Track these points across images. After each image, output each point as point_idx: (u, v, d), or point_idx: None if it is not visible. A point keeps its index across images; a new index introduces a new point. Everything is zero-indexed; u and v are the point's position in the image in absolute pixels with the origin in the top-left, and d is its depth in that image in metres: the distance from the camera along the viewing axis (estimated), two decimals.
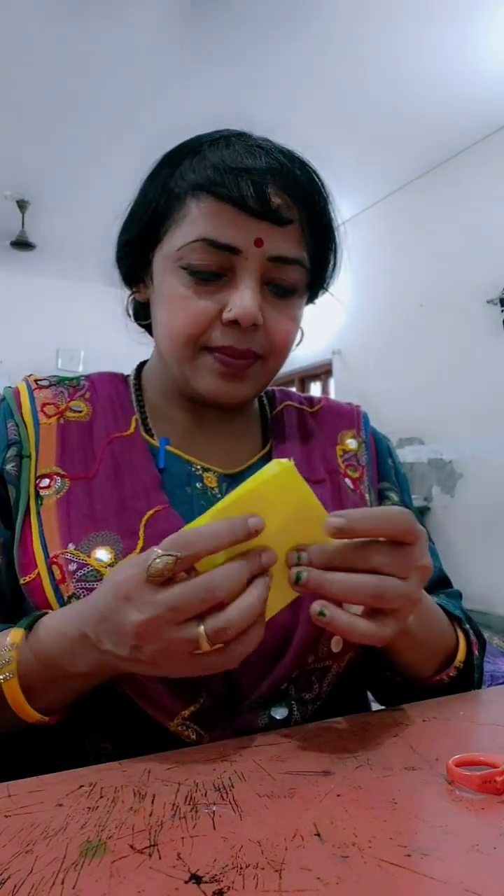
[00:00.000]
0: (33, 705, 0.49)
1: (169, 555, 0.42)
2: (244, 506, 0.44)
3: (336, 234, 0.67)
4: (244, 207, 0.58)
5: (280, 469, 0.45)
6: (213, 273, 0.60)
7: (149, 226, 0.64)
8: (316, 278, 0.68)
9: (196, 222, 0.59)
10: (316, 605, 0.45)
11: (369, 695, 0.70)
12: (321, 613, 0.45)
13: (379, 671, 0.63)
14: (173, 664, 0.44)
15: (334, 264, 0.69)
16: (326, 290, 0.72)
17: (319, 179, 0.64)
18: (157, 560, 0.42)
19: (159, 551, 0.42)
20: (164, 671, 0.45)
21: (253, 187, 0.58)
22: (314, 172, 0.64)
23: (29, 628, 0.51)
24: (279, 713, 0.56)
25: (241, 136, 0.63)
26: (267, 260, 0.60)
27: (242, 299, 0.59)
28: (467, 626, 0.64)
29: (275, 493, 0.45)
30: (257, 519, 0.44)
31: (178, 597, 0.42)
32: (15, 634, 0.50)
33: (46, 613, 0.53)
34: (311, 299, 0.72)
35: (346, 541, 0.45)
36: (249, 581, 0.44)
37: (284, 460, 0.46)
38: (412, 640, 0.55)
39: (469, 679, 0.62)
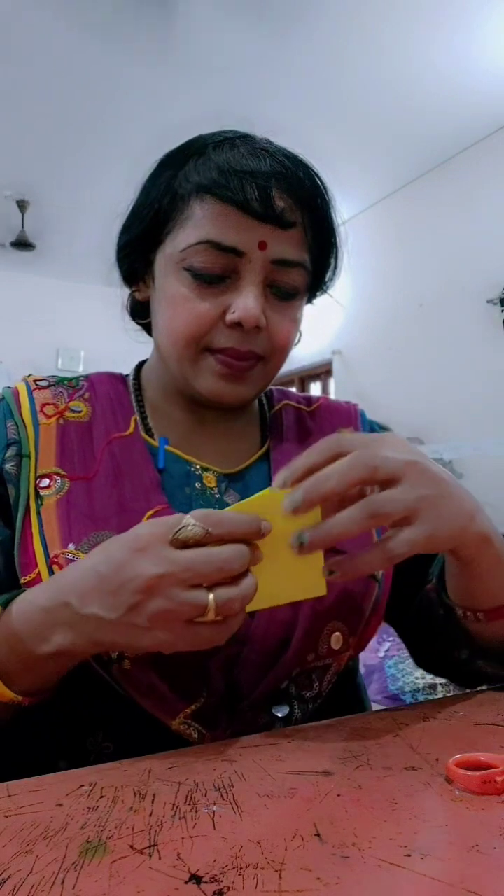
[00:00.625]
0: (10, 688, 0.49)
1: (201, 526, 0.43)
2: (250, 508, 0.46)
3: (338, 237, 0.67)
4: (249, 210, 0.58)
5: (262, 496, 0.47)
6: (216, 275, 0.60)
7: (151, 226, 0.64)
8: (316, 281, 0.68)
9: (200, 224, 0.59)
10: (325, 571, 0.47)
11: (369, 690, 0.70)
12: (331, 573, 0.47)
13: (451, 636, 0.62)
14: (169, 629, 0.43)
15: (335, 267, 0.70)
16: (325, 292, 0.72)
17: (322, 183, 0.64)
18: (190, 528, 0.43)
19: (192, 520, 0.43)
20: (153, 638, 0.44)
21: (258, 190, 0.58)
22: (317, 176, 0.64)
23: (6, 605, 0.51)
24: (280, 711, 0.56)
25: (246, 139, 0.63)
26: (270, 262, 0.60)
27: (246, 301, 0.59)
28: None
29: (279, 501, 0.46)
30: (268, 524, 0.45)
31: (198, 559, 0.42)
32: None
33: (24, 591, 0.52)
34: (309, 300, 0.72)
35: (333, 465, 0.46)
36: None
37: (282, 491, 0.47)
38: (492, 549, 0.52)
39: None
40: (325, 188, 0.64)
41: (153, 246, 0.65)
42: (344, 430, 0.74)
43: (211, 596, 0.42)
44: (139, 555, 0.43)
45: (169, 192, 0.62)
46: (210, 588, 0.43)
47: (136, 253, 0.67)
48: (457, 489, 0.50)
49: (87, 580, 0.46)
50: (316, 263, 0.66)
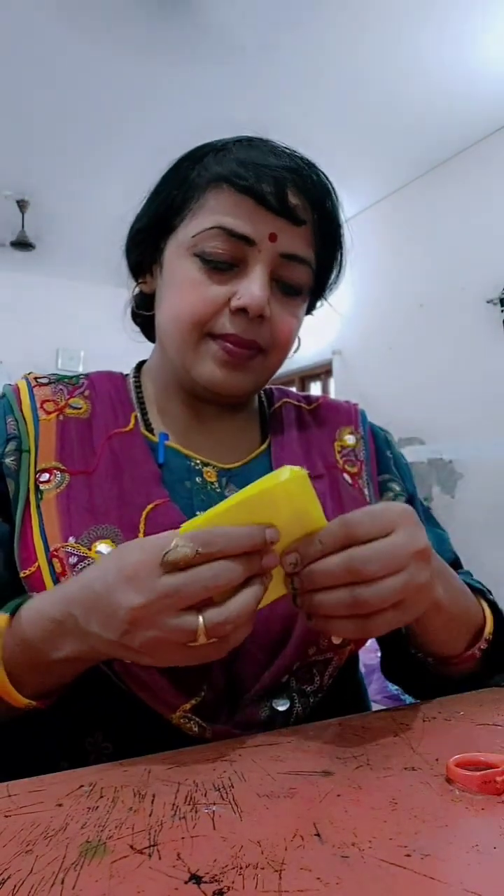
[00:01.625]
0: (21, 692, 0.49)
1: (190, 546, 0.41)
2: (251, 507, 0.44)
3: (343, 245, 0.69)
4: (263, 202, 0.59)
5: (292, 475, 0.45)
6: (225, 262, 0.61)
7: (164, 215, 0.65)
8: (318, 286, 0.70)
9: (214, 211, 0.61)
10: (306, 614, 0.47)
11: (370, 690, 0.71)
12: (309, 619, 0.47)
13: (410, 657, 0.63)
14: (163, 653, 0.43)
15: (337, 274, 0.71)
16: (325, 299, 0.74)
17: (333, 190, 0.66)
18: (179, 549, 0.41)
19: (180, 541, 0.42)
20: (151, 660, 0.44)
21: (274, 184, 0.60)
22: (329, 182, 0.66)
23: (13, 612, 0.51)
24: (281, 705, 0.56)
25: (263, 141, 0.65)
26: (279, 256, 0.61)
27: (252, 288, 0.60)
28: (491, 597, 0.65)
29: (282, 498, 0.45)
30: (274, 532, 0.44)
31: (182, 583, 0.41)
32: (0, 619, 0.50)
33: (31, 597, 0.52)
34: (309, 308, 0.73)
35: (325, 562, 0.45)
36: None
37: (297, 468, 0.46)
38: (442, 614, 0.54)
39: (501, 653, 0.62)
40: (335, 194, 0.66)
41: (165, 234, 0.66)
42: (343, 428, 0.74)
43: (200, 619, 0.41)
44: (127, 583, 0.43)
45: (185, 182, 0.64)
46: (201, 610, 0.42)
47: (148, 241, 0.68)
48: (436, 561, 0.51)
49: (86, 596, 0.46)
50: (319, 267, 0.67)
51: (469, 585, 0.63)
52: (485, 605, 0.63)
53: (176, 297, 0.63)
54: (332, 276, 0.71)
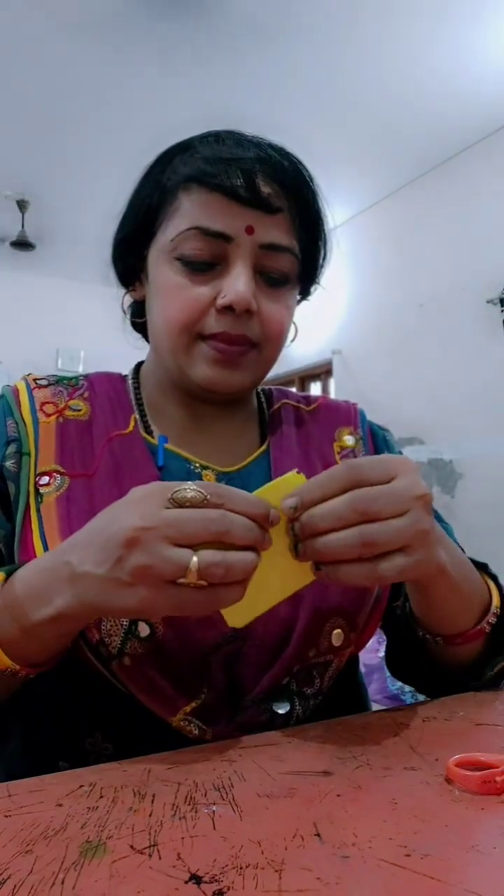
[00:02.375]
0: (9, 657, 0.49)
1: (201, 492, 0.42)
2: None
3: (325, 225, 0.68)
4: (234, 196, 0.59)
5: (292, 475, 0.47)
6: (206, 262, 0.61)
7: (143, 222, 0.65)
8: (307, 271, 0.69)
9: (188, 213, 0.60)
10: (312, 566, 0.47)
11: (370, 690, 0.71)
12: (318, 568, 0.46)
13: (417, 646, 0.63)
14: (150, 588, 0.42)
15: (324, 256, 0.70)
16: (318, 283, 0.73)
17: (308, 172, 0.65)
18: (189, 490, 0.42)
19: (193, 485, 0.42)
20: (136, 596, 0.43)
21: (243, 176, 0.59)
22: (302, 165, 0.65)
23: (9, 575, 0.51)
24: (281, 708, 0.56)
25: (231, 133, 0.64)
26: (259, 247, 0.61)
27: (236, 284, 0.59)
28: (493, 573, 0.64)
29: (284, 493, 0.46)
30: (276, 514, 0.44)
31: (185, 517, 0.41)
32: None
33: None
34: (303, 295, 0.72)
35: (328, 503, 0.45)
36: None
37: (294, 472, 0.47)
38: (448, 580, 0.53)
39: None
40: (310, 177, 0.65)
41: (146, 241, 0.66)
42: (343, 428, 0.74)
43: (194, 557, 0.41)
44: (130, 507, 0.43)
45: (158, 186, 0.63)
46: (197, 549, 0.41)
47: (131, 250, 0.68)
48: (437, 528, 0.51)
49: (85, 537, 0.46)
50: (305, 252, 0.66)
51: (472, 560, 0.63)
52: (488, 579, 0.62)
53: (162, 302, 0.63)
54: (320, 258, 0.70)
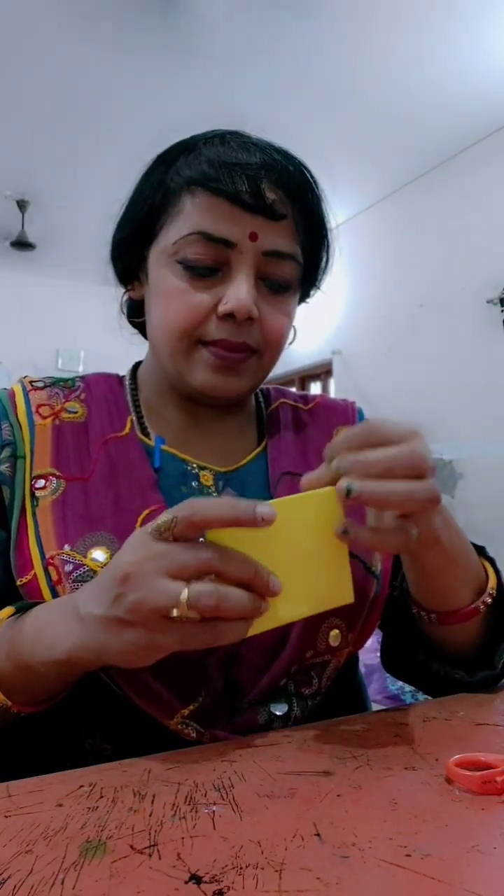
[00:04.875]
0: (10, 698, 0.49)
1: (171, 515, 0.42)
2: (280, 512, 0.43)
3: (329, 231, 0.67)
4: (239, 202, 0.58)
5: (324, 490, 0.46)
6: (208, 267, 0.60)
7: (144, 223, 0.64)
8: (308, 276, 0.68)
9: (191, 216, 0.60)
10: (339, 530, 0.46)
11: (369, 690, 0.71)
12: (345, 532, 0.46)
13: (412, 637, 0.62)
14: (150, 623, 0.42)
15: (327, 261, 0.69)
16: (318, 288, 0.72)
17: (312, 177, 0.65)
18: (161, 518, 0.42)
19: (166, 512, 0.43)
20: (137, 635, 0.42)
21: (248, 182, 0.58)
22: (307, 170, 0.64)
23: (25, 610, 0.51)
24: (279, 709, 0.56)
25: (236, 135, 0.63)
26: (262, 254, 0.60)
27: (238, 292, 0.59)
28: (490, 555, 0.64)
29: (310, 507, 0.45)
30: (269, 508, 0.42)
31: (173, 548, 0.42)
32: (4, 612, 0.51)
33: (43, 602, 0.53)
34: (303, 298, 0.72)
35: (392, 449, 0.46)
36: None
37: (328, 488, 0.46)
38: (444, 552, 0.54)
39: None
40: (315, 182, 0.65)
41: (147, 242, 0.65)
42: (341, 428, 0.74)
43: (185, 590, 0.40)
44: (125, 549, 0.44)
45: (161, 188, 0.63)
46: (190, 581, 0.41)
47: (131, 250, 0.67)
48: None
49: (94, 580, 0.47)
50: (307, 258, 0.66)
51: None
52: (486, 562, 0.62)
53: (163, 306, 0.62)
54: (322, 265, 0.69)
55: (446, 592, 0.57)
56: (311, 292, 0.73)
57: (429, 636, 0.62)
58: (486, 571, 0.61)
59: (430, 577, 0.57)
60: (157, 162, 0.65)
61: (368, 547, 0.48)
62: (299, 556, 0.45)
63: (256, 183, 0.59)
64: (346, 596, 0.48)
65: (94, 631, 0.45)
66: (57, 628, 0.47)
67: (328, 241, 0.68)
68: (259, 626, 0.44)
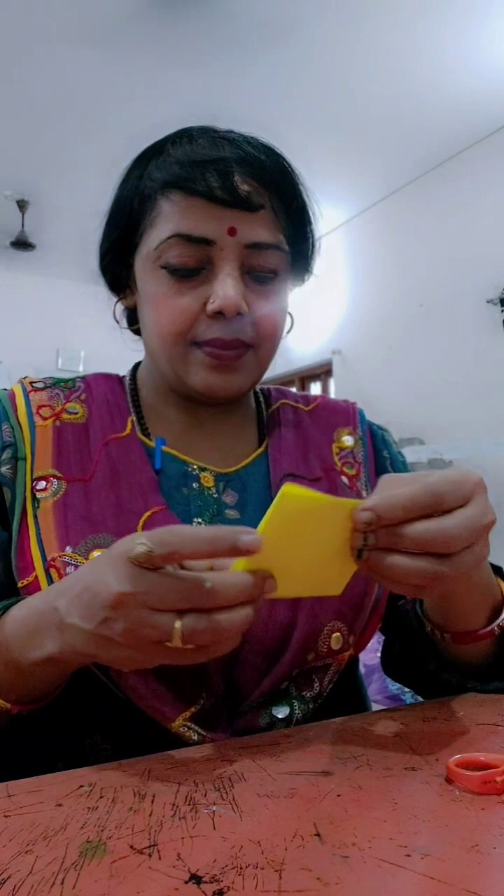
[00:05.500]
0: (3, 697, 0.49)
1: (146, 545, 0.40)
2: (272, 535, 0.42)
3: (311, 213, 0.67)
4: (213, 198, 0.58)
5: (280, 494, 0.43)
6: (192, 269, 0.60)
7: (125, 231, 0.64)
8: (298, 261, 0.68)
9: (168, 219, 0.60)
10: (355, 550, 0.44)
11: (370, 690, 0.70)
12: (360, 556, 0.44)
13: (419, 642, 0.62)
14: (141, 647, 0.41)
15: (313, 244, 0.69)
16: (311, 272, 0.71)
17: (286, 162, 0.64)
18: (138, 546, 0.40)
19: (142, 539, 0.40)
20: (129, 654, 0.42)
21: (220, 177, 0.58)
22: (280, 156, 0.64)
23: (4, 610, 0.51)
24: (280, 712, 0.55)
25: (205, 131, 0.63)
26: (244, 247, 0.60)
27: (224, 289, 0.59)
28: None
29: (289, 519, 0.43)
30: (252, 537, 0.40)
31: (157, 583, 0.39)
32: None
33: (24, 598, 0.52)
34: (298, 283, 0.71)
35: (419, 526, 0.43)
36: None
37: (286, 485, 0.44)
38: (468, 581, 0.52)
39: None
40: (290, 167, 0.64)
41: (131, 250, 0.65)
42: (342, 429, 0.74)
43: (177, 623, 0.39)
44: (111, 569, 0.41)
45: (137, 194, 0.63)
46: (181, 614, 0.40)
47: (117, 259, 0.67)
48: None
49: (73, 587, 0.44)
50: (293, 243, 0.65)
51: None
52: (501, 582, 0.61)
53: (152, 312, 0.62)
54: (310, 248, 0.69)
55: (465, 616, 0.56)
56: (305, 277, 0.72)
57: (440, 650, 0.61)
58: (501, 591, 0.59)
59: (449, 602, 0.56)
60: (131, 168, 0.65)
61: (376, 574, 0.45)
62: (310, 543, 0.45)
63: (229, 177, 0.58)
64: (336, 588, 0.48)
65: (79, 640, 0.43)
66: (40, 631, 0.46)
67: (312, 223, 0.67)
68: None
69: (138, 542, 0.40)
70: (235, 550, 0.39)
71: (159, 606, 0.40)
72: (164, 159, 0.61)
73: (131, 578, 0.40)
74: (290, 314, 0.68)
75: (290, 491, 0.43)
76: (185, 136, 0.63)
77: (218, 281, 0.59)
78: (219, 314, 0.59)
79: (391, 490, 0.44)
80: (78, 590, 0.44)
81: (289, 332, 0.69)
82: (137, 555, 0.40)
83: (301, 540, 0.44)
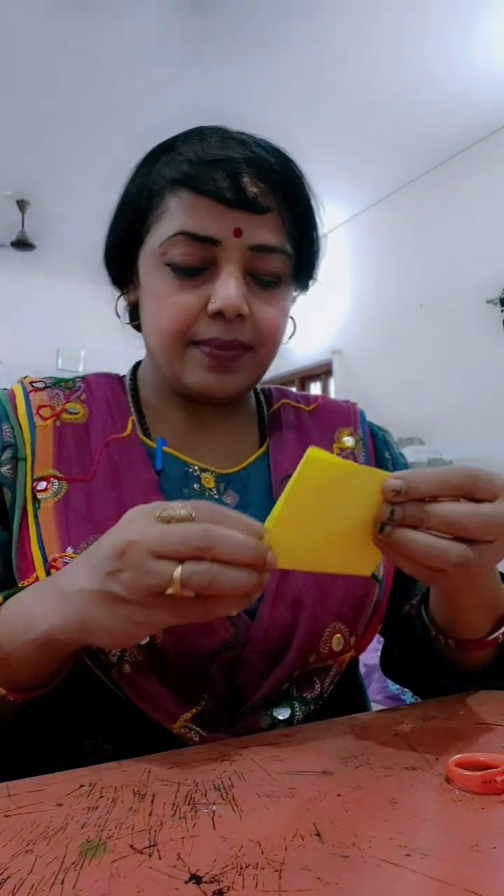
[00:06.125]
0: None
1: (187, 510, 0.41)
2: (298, 500, 0.43)
3: (317, 219, 0.67)
4: (221, 198, 0.58)
5: (306, 457, 0.43)
6: (195, 268, 0.60)
7: (132, 226, 0.64)
8: (301, 267, 0.68)
9: (175, 217, 0.60)
10: (377, 528, 0.44)
11: (370, 690, 0.70)
12: (382, 531, 0.44)
13: (419, 645, 0.62)
14: (143, 600, 0.41)
15: (318, 251, 0.69)
16: (315, 279, 0.71)
17: (296, 167, 0.64)
18: (178, 508, 0.41)
19: (182, 504, 0.41)
20: (130, 612, 0.42)
21: (228, 178, 0.58)
22: (290, 160, 0.64)
23: (7, 597, 0.51)
24: (281, 713, 0.55)
25: (216, 130, 0.63)
26: (248, 249, 0.60)
27: (226, 290, 0.59)
28: None
29: (316, 479, 0.43)
30: (263, 548, 0.41)
31: (171, 531, 0.40)
32: None
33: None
34: (301, 288, 0.71)
35: (456, 507, 0.43)
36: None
37: (309, 448, 0.43)
38: (478, 587, 0.52)
39: None
40: (298, 172, 0.64)
41: (136, 246, 0.65)
42: (342, 429, 0.74)
43: (178, 568, 0.39)
44: (126, 525, 0.43)
45: (145, 190, 0.63)
46: (184, 561, 0.40)
47: (122, 254, 0.67)
48: None
49: (78, 560, 0.45)
50: (298, 248, 0.65)
51: None
52: None
53: (154, 309, 0.62)
54: (314, 254, 0.69)
55: (471, 624, 0.57)
56: (309, 283, 0.72)
57: (443, 655, 0.62)
58: None
59: (456, 609, 0.56)
60: (141, 164, 0.65)
61: (396, 552, 0.44)
62: (336, 513, 0.44)
63: (237, 178, 0.58)
64: (367, 568, 0.48)
65: (82, 607, 0.43)
66: (35, 608, 0.46)
67: (317, 230, 0.67)
68: (283, 564, 0.43)
69: (178, 505, 0.41)
70: (258, 557, 0.40)
71: (162, 552, 0.40)
72: (174, 156, 0.61)
73: (142, 529, 0.41)
74: (291, 318, 0.68)
75: (316, 455, 0.42)
76: (196, 134, 0.63)
77: (220, 281, 0.59)
78: (219, 314, 0.59)
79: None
80: (83, 558, 0.45)
81: (290, 337, 0.69)
82: (176, 514, 0.41)
83: (327, 509, 0.43)
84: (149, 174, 0.63)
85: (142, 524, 0.42)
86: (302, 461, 0.42)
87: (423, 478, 0.43)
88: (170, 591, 0.40)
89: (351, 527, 0.45)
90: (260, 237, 0.60)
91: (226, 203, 0.58)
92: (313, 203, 0.65)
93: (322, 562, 0.46)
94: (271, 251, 0.61)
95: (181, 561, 0.40)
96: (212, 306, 0.59)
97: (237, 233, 0.59)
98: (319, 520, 0.44)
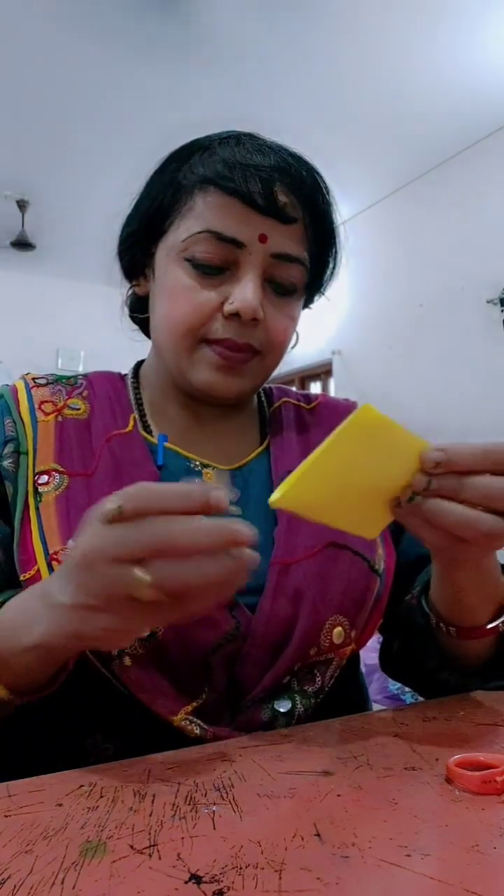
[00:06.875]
0: None
1: (115, 503, 0.39)
2: (335, 453, 0.42)
3: (337, 238, 0.68)
4: (251, 203, 0.59)
5: (359, 411, 0.43)
6: (216, 266, 0.60)
7: (154, 218, 0.65)
8: (314, 281, 0.69)
9: (202, 215, 0.60)
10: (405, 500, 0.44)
11: (370, 690, 0.70)
12: (411, 499, 0.44)
13: (421, 639, 0.62)
14: (118, 608, 0.39)
15: (333, 268, 0.70)
16: (322, 294, 0.73)
17: (325, 183, 0.65)
18: (108, 504, 0.39)
19: (113, 497, 0.39)
20: (108, 620, 0.40)
21: (261, 184, 0.59)
22: (320, 176, 0.65)
23: (5, 600, 0.50)
24: (282, 706, 0.56)
25: (251, 137, 0.64)
26: (270, 256, 0.61)
27: (244, 292, 0.59)
28: None
29: (361, 435, 0.43)
30: (219, 493, 0.39)
31: (119, 535, 0.38)
32: None
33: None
34: (306, 303, 0.72)
35: (484, 479, 0.43)
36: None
37: (365, 405, 0.43)
38: (480, 571, 0.53)
39: None
40: (326, 189, 0.65)
41: (155, 238, 0.65)
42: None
43: (140, 572, 0.37)
44: (81, 532, 0.41)
45: (173, 184, 0.63)
46: (150, 562, 0.38)
47: (139, 245, 0.67)
48: None
49: (59, 568, 0.44)
50: (314, 263, 0.66)
51: None
52: None
53: (168, 303, 0.63)
54: (328, 272, 0.70)
55: (473, 610, 0.57)
56: (315, 298, 0.73)
57: (443, 646, 0.62)
58: None
59: (459, 593, 0.56)
60: (170, 159, 0.66)
61: (438, 524, 0.44)
62: (368, 470, 0.44)
63: (269, 185, 0.59)
64: (372, 531, 0.47)
65: (64, 618, 0.43)
66: (33, 614, 0.46)
67: (336, 249, 0.69)
68: (300, 509, 0.43)
69: (108, 500, 0.39)
70: (207, 506, 0.38)
71: (124, 557, 0.38)
72: (209, 155, 0.62)
73: (96, 535, 0.39)
74: (297, 331, 0.69)
75: (370, 408, 0.43)
76: (232, 137, 0.63)
77: (240, 283, 0.60)
78: (235, 316, 0.60)
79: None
80: (61, 569, 0.44)
81: (293, 347, 0.69)
82: (108, 511, 0.38)
83: (360, 466, 0.44)
84: (178, 170, 0.63)
85: (93, 529, 0.40)
86: (354, 412, 0.43)
87: (463, 451, 0.43)
88: (143, 597, 0.38)
89: (376, 487, 0.45)
90: (283, 246, 0.61)
91: (255, 208, 0.59)
92: (337, 221, 0.67)
93: (336, 516, 0.46)
94: (292, 261, 0.62)
95: (140, 562, 0.38)
96: (229, 307, 0.60)
97: (262, 238, 0.60)
98: (349, 475, 0.44)
